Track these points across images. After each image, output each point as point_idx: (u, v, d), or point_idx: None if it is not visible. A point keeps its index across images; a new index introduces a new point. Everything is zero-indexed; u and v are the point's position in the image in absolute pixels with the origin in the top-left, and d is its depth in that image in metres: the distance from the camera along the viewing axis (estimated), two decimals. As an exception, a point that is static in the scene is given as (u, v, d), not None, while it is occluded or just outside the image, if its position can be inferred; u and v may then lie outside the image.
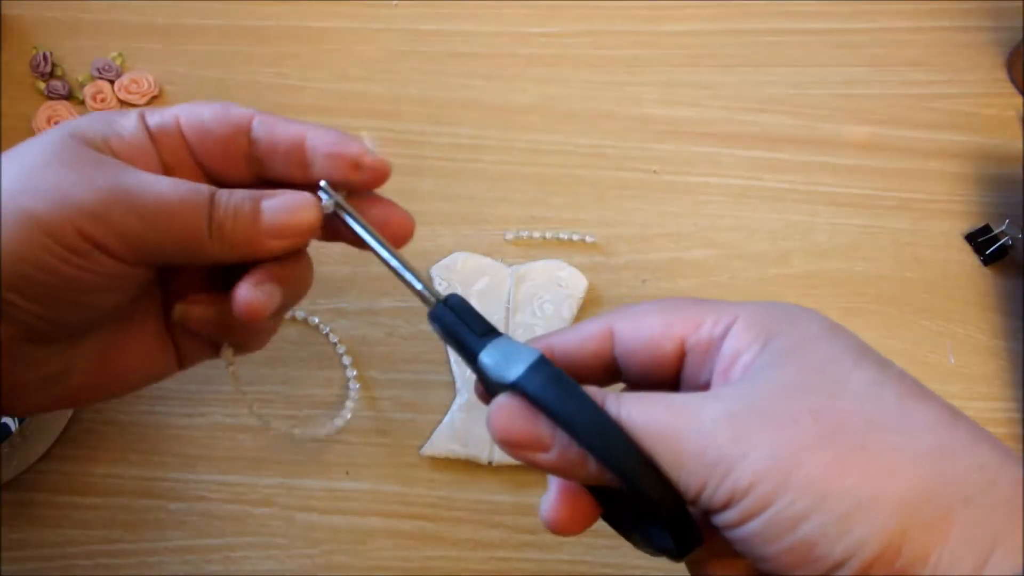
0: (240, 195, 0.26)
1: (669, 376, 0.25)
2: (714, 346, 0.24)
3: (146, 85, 0.45)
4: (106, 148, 0.26)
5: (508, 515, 0.38)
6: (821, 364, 0.22)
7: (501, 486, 0.38)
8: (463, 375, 0.39)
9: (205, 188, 0.26)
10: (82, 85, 0.45)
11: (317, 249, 0.30)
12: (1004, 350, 0.42)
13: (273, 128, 0.28)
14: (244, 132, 0.28)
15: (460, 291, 0.40)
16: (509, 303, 0.40)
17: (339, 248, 0.42)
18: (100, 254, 0.24)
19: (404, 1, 0.49)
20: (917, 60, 0.49)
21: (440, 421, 0.39)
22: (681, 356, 0.25)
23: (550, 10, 0.49)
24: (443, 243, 0.42)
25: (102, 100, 0.45)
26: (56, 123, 0.44)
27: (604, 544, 0.37)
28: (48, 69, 0.45)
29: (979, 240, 0.43)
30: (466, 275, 0.41)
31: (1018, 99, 0.48)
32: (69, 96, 0.45)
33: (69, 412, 0.38)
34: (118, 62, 0.46)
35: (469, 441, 0.38)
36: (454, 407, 0.39)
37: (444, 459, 0.38)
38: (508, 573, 0.37)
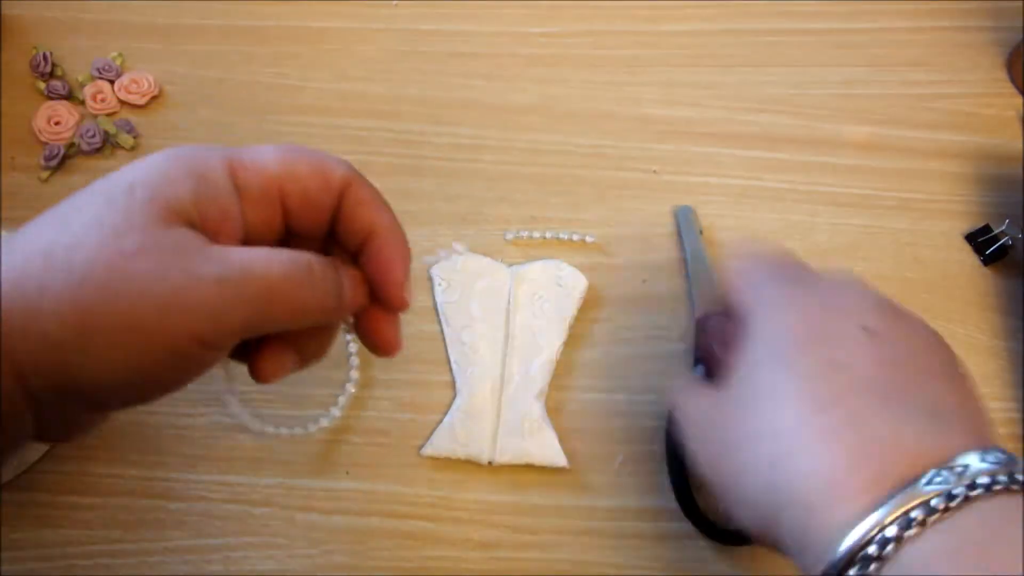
0: (328, 270, 0.26)
1: None
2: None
3: (146, 85, 0.45)
4: (195, 214, 0.24)
5: (508, 515, 0.38)
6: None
7: (501, 486, 0.38)
8: (463, 375, 0.39)
9: (303, 260, 0.25)
10: (82, 85, 0.45)
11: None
12: (1004, 350, 0.42)
13: (359, 209, 0.27)
14: (337, 195, 0.27)
15: (460, 291, 0.41)
16: (509, 303, 0.40)
17: (339, 248, 0.42)
18: (213, 349, 0.24)
19: (404, 1, 0.49)
20: (917, 60, 0.49)
21: (440, 421, 0.39)
22: None
23: (550, 10, 0.49)
24: (443, 243, 0.42)
25: (102, 100, 0.45)
26: (57, 123, 0.44)
27: (605, 544, 0.37)
28: (48, 69, 0.45)
29: (979, 240, 0.43)
30: (466, 275, 0.41)
31: (1018, 99, 0.48)
32: (69, 96, 0.45)
33: (69, 412, 0.38)
34: (118, 62, 0.46)
35: (469, 441, 0.38)
36: (454, 407, 0.39)
37: (444, 459, 0.38)
38: (508, 573, 0.37)
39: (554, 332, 0.40)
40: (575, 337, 0.41)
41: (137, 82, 0.45)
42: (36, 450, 0.37)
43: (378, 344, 0.29)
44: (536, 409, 0.38)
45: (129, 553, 0.37)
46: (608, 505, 0.38)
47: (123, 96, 0.45)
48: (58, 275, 0.22)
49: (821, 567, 0.23)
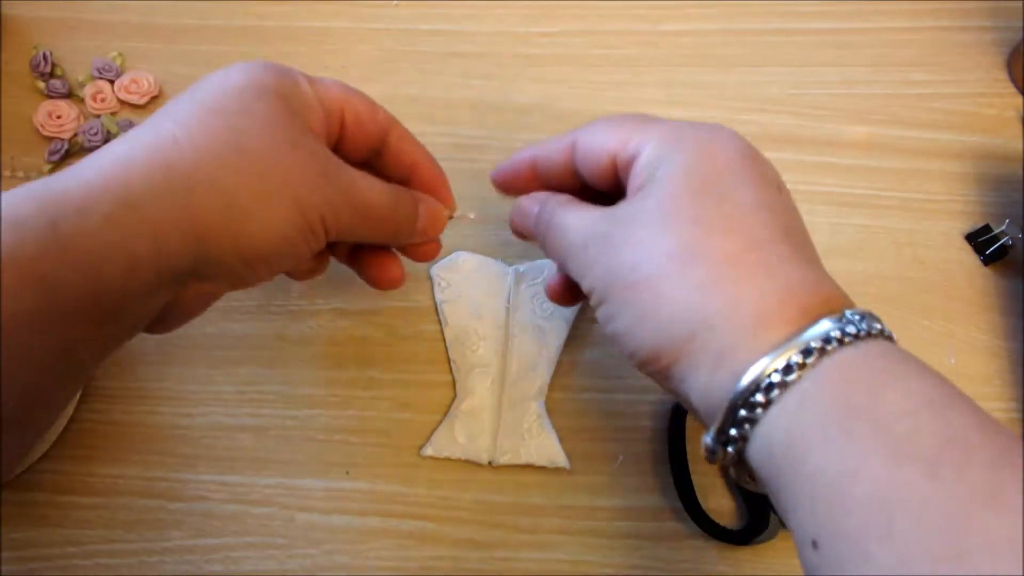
0: (411, 202, 0.33)
1: (612, 185, 0.31)
2: (631, 164, 0.29)
3: (146, 85, 0.45)
4: (306, 122, 0.30)
5: (508, 515, 0.38)
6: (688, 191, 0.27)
7: (501, 486, 0.38)
8: (463, 376, 0.39)
9: (397, 191, 0.32)
10: (82, 85, 0.45)
11: (317, 249, 0.30)
12: (1004, 350, 0.42)
13: (402, 145, 0.34)
14: (382, 130, 0.33)
15: (460, 291, 0.41)
16: (509, 302, 0.40)
17: (339, 248, 0.42)
18: (323, 235, 0.29)
19: (404, 1, 0.49)
20: (917, 60, 0.49)
21: (440, 421, 0.39)
22: (615, 170, 0.30)
23: (550, 10, 0.49)
24: (443, 243, 0.42)
25: (102, 100, 0.45)
26: (58, 117, 0.44)
27: (604, 544, 0.37)
28: (48, 69, 0.45)
29: (979, 240, 0.43)
30: (466, 274, 0.41)
31: (1018, 99, 0.48)
32: (69, 96, 0.45)
33: (69, 412, 0.38)
34: (118, 62, 0.46)
35: (469, 442, 0.38)
36: (454, 408, 0.39)
37: (444, 459, 0.38)
38: (508, 573, 0.37)
39: (554, 332, 0.40)
40: (575, 337, 0.41)
41: (137, 82, 0.45)
42: (36, 450, 0.37)
43: (382, 278, 0.35)
44: (536, 409, 0.38)
45: (129, 553, 0.37)
46: (608, 505, 0.38)
47: (123, 96, 0.45)
48: (248, 168, 0.27)
49: (728, 385, 0.25)
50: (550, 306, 0.40)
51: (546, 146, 0.33)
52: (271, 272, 0.30)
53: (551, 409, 0.39)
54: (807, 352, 0.24)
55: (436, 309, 0.41)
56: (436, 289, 0.41)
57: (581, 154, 0.31)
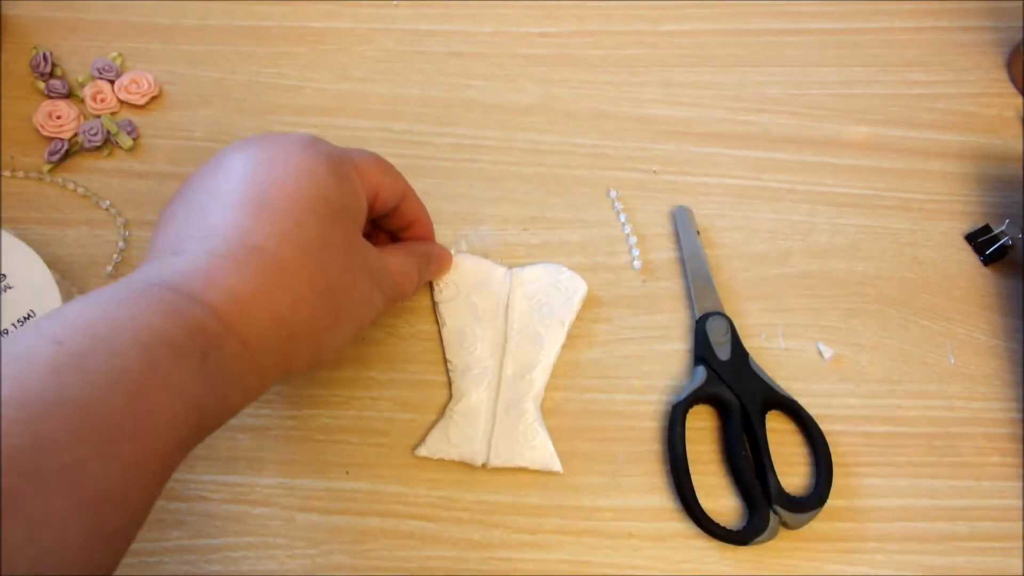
0: (428, 269, 0.39)
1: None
2: None
3: (146, 85, 0.45)
4: (361, 225, 0.33)
5: (508, 515, 0.38)
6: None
7: (501, 486, 0.38)
8: (459, 377, 0.39)
9: (426, 265, 0.38)
10: (82, 85, 0.45)
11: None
12: (1004, 350, 0.42)
13: (409, 206, 0.37)
14: (397, 203, 0.36)
15: (458, 292, 0.41)
16: (506, 304, 0.40)
17: (339, 248, 0.42)
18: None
19: (404, 1, 0.49)
20: (917, 60, 0.49)
21: (435, 422, 0.39)
22: None
23: (550, 10, 0.49)
24: (443, 243, 0.42)
25: (102, 100, 0.45)
26: (58, 117, 0.44)
27: (604, 544, 0.37)
28: (48, 69, 0.45)
29: (979, 240, 0.44)
30: (465, 276, 0.41)
31: (1018, 99, 0.48)
32: (69, 96, 0.45)
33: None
34: (118, 62, 0.46)
35: (463, 443, 0.38)
36: (449, 409, 0.39)
37: (444, 459, 0.38)
38: (508, 573, 0.37)
39: (552, 335, 0.40)
40: (575, 337, 0.41)
41: (137, 82, 0.45)
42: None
43: None
44: (531, 412, 0.38)
45: (129, 553, 0.36)
46: (608, 505, 0.38)
47: (123, 96, 0.45)
48: (331, 309, 0.31)
49: None
50: (548, 309, 0.40)
51: None
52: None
53: (552, 409, 0.39)
54: None
55: (434, 310, 0.41)
56: (434, 290, 0.41)
57: None
